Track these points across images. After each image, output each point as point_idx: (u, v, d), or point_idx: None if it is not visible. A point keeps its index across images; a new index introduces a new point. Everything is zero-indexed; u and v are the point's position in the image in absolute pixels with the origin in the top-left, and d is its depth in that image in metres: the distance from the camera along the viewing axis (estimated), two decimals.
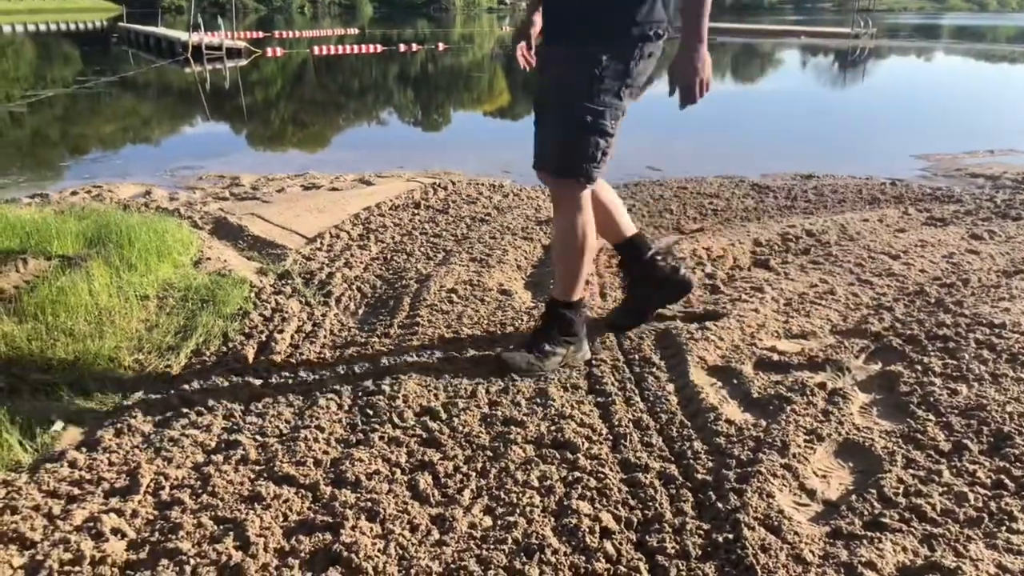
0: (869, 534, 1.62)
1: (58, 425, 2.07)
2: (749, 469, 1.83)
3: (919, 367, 2.33)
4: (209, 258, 3.39)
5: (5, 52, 21.45)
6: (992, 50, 24.42)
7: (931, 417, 2.05)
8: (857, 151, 6.82)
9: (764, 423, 2.04)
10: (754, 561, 1.53)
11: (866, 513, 1.68)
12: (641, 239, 2.61)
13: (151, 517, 1.68)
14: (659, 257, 2.60)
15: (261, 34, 24.85)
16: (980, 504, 1.70)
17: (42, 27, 34.43)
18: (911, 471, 1.83)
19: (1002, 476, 1.79)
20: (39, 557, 1.53)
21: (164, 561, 1.52)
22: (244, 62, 16.63)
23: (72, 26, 35.22)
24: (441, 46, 22.16)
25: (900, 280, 3.06)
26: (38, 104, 9.87)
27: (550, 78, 2.27)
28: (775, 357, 2.43)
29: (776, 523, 1.64)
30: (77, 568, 1.50)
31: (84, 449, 1.95)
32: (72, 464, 1.87)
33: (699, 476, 1.82)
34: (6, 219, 3.54)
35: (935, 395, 2.16)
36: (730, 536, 1.61)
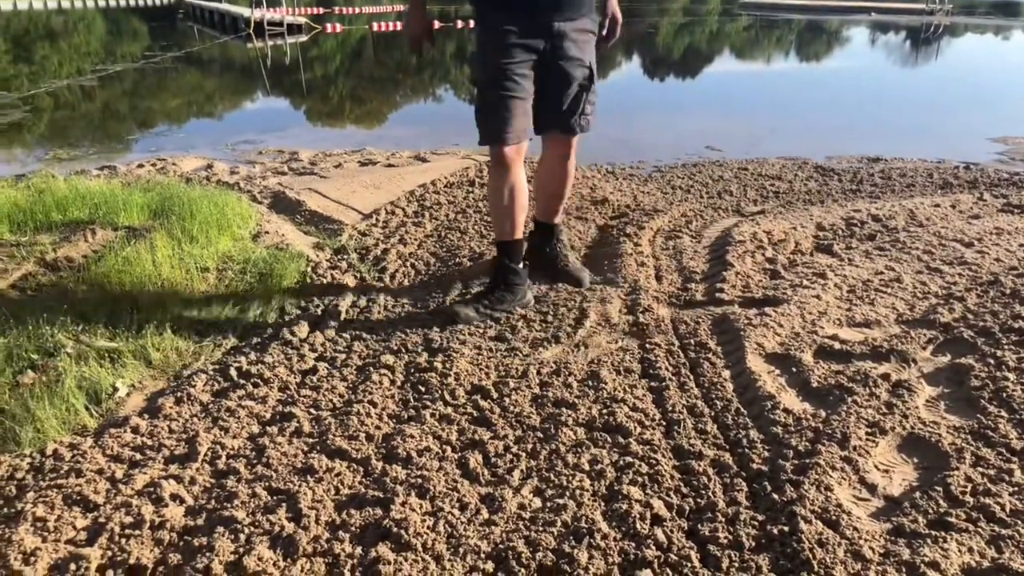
0: (933, 533, 1.56)
1: (122, 392, 2.14)
2: (807, 461, 1.78)
3: (992, 361, 2.22)
4: (267, 232, 3.44)
5: (77, 27, 22.12)
6: None
7: (1003, 413, 1.96)
8: (929, 133, 6.55)
9: (823, 413, 1.98)
10: (810, 555, 1.49)
11: (931, 511, 1.62)
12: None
13: (208, 485, 1.71)
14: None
15: (321, 10, 25.04)
16: None
17: (112, 3, 35.35)
18: (980, 469, 1.75)
19: None
20: (101, 519, 1.58)
21: (220, 528, 1.55)
22: (304, 38, 16.83)
23: (140, 2, 36.06)
24: None
25: (973, 269, 2.93)
26: (108, 78, 10.15)
27: (571, 49, 2.52)
28: (837, 346, 2.35)
29: (834, 517, 1.59)
30: (137, 531, 1.54)
31: (146, 416, 2.00)
32: (135, 430, 1.93)
33: (754, 466, 1.78)
34: (77, 190, 3.66)
35: (1008, 390, 2.06)
36: (786, 528, 1.56)
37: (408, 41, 2.65)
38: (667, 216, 3.74)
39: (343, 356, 2.34)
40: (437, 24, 20.50)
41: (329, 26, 18.91)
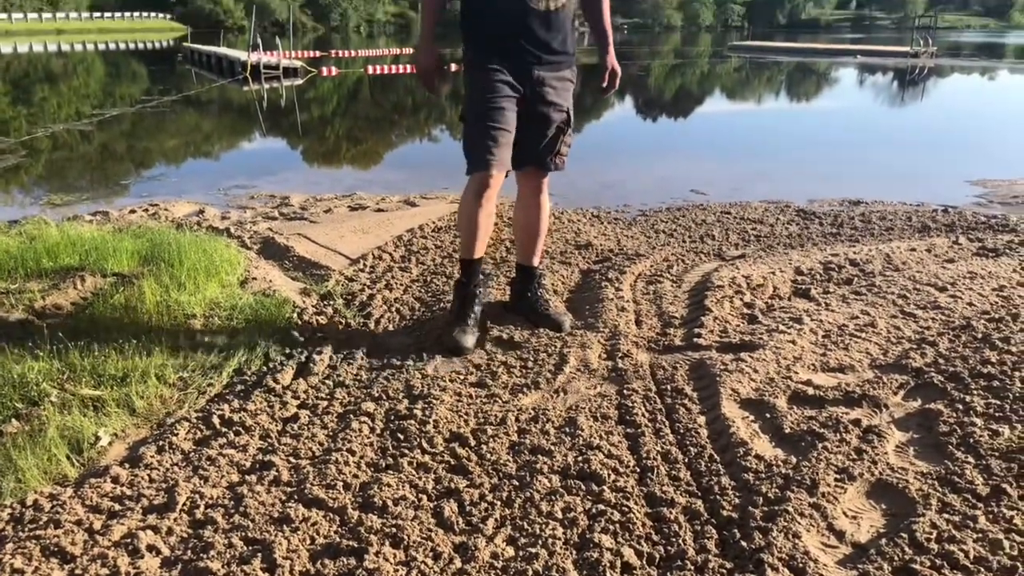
0: None
1: (104, 440, 2.16)
2: (776, 507, 1.81)
3: (960, 406, 2.27)
4: (255, 278, 3.49)
5: (77, 70, 22.43)
6: None
7: (970, 459, 2.00)
8: (910, 176, 6.66)
9: (794, 460, 2.02)
10: None
11: (896, 558, 1.65)
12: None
13: (185, 535, 1.74)
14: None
15: (318, 53, 25.48)
16: (1016, 552, 1.66)
17: (112, 46, 35.93)
18: (946, 515, 1.79)
19: None
20: (77, 572, 1.60)
21: None
22: (300, 81, 17.08)
23: (140, 45, 36.62)
24: None
25: (946, 313, 2.99)
26: (105, 123, 10.28)
27: (550, 95, 2.77)
28: (810, 391, 2.39)
29: (801, 564, 1.62)
30: None
31: (127, 465, 2.03)
32: (115, 480, 1.95)
33: (725, 513, 1.81)
34: (68, 237, 3.71)
35: (975, 436, 2.10)
36: None
37: (419, 78, 2.85)
38: (649, 261, 3.81)
39: (324, 403, 2.37)
40: None
41: (325, 69, 19.21)
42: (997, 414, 2.21)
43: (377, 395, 2.41)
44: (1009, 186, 5.89)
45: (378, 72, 19.87)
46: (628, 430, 2.20)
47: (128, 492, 1.90)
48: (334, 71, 19.39)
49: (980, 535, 1.71)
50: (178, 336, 2.81)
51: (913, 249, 3.92)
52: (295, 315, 3.08)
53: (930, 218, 4.71)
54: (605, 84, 2.91)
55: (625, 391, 2.42)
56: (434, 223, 4.53)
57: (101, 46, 35.51)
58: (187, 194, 5.72)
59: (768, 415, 2.27)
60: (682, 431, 2.19)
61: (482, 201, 2.72)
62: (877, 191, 5.59)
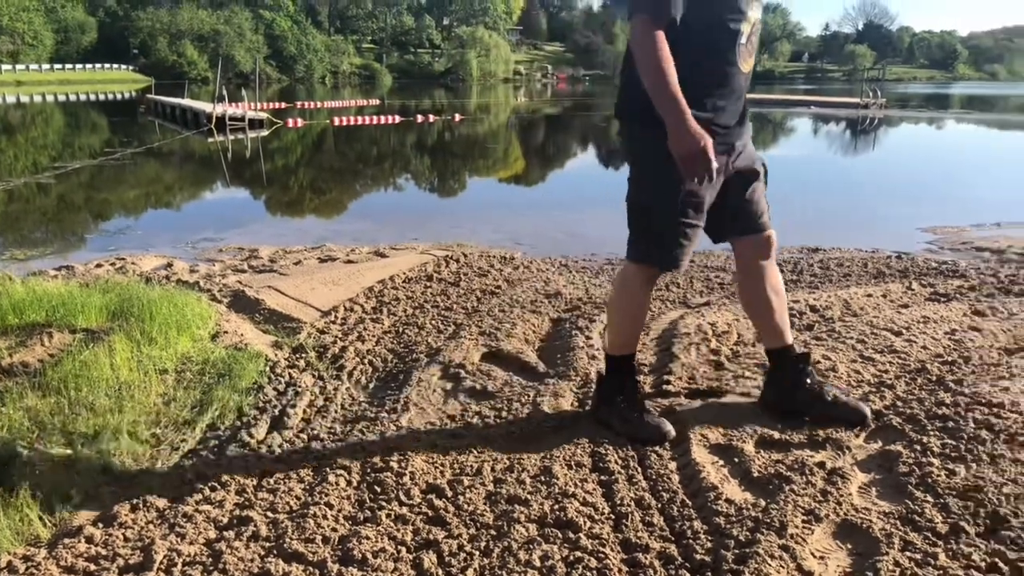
0: None
1: (77, 500, 2.14)
2: (747, 550, 1.86)
3: (918, 447, 2.36)
4: (226, 332, 3.49)
5: (35, 121, 22.24)
6: (1002, 120, 24.73)
7: (929, 498, 2.08)
8: (865, 223, 6.92)
9: (763, 503, 2.08)
10: None
11: None
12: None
13: None
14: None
15: (283, 104, 25.66)
16: None
17: (72, 97, 35.75)
18: (908, 554, 1.85)
19: (996, 560, 1.81)
20: None
21: None
22: (265, 132, 17.16)
23: (101, 96, 36.49)
24: (457, 116, 22.76)
25: (902, 357, 3.11)
26: (66, 176, 10.20)
27: (742, 159, 2.45)
28: (776, 435, 2.47)
29: None
30: None
31: (101, 524, 2.01)
32: (89, 540, 1.94)
33: (698, 557, 1.86)
34: (34, 292, 3.68)
35: (933, 475, 2.18)
36: None
37: (686, 166, 2.12)
38: None
39: (300, 457, 2.38)
40: (398, 119, 21.09)
41: (290, 121, 19.34)
42: (953, 454, 2.30)
43: (353, 447, 2.43)
44: (958, 233, 6.14)
45: (343, 124, 20.05)
46: (602, 477, 2.24)
47: (103, 552, 1.88)
48: (299, 123, 19.52)
49: (941, 572, 1.78)
50: (150, 392, 2.80)
51: (870, 295, 4.07)
52: (268, 368, 3.09)
53: (885, 264, 4.89)
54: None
55: (598, 439, 2.47)
56: (404, 274, 4.58)
57: (61, 97, 35.34)
58: (154, 247, 5.71)
59: (737, 459, 2.33)
60: (654, 477, 2.24)
61: (649, 296, 2.61)
62: (834, 238, 5.79)
